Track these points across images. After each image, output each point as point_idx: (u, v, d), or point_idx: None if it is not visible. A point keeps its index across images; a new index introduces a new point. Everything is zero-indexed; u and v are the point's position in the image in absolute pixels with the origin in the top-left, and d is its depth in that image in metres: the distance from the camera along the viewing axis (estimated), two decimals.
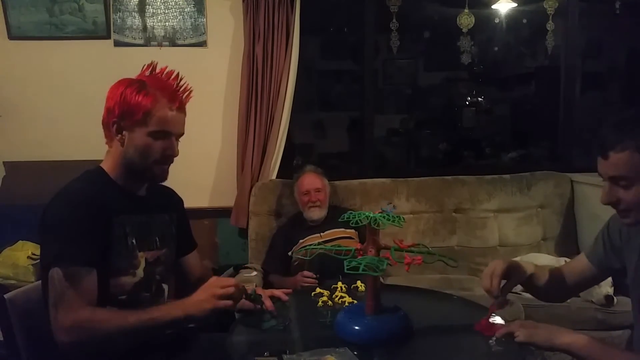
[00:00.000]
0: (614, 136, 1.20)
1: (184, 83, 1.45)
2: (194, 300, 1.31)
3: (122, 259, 1.38)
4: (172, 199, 1.63)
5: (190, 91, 1.45)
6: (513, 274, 1.35)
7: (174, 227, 1.56)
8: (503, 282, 1.32)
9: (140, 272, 1.42)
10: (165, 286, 1.52)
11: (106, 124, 1.41)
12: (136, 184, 1.47)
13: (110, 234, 1.36)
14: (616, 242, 1.38)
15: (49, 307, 1.28)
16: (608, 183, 1.23)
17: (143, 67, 1.46)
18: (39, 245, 2.55)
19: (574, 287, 1.52)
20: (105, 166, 1.44)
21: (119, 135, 1.39)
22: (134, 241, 1.41)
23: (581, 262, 1.48)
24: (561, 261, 2.66)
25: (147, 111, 1.36)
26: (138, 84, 1.38)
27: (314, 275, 2.30)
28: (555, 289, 1.48)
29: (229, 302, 1.32)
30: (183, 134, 1.45)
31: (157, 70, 1.45)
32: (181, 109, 1.42)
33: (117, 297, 1.37)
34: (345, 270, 1.24)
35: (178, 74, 1.45)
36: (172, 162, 1.45)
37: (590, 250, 1.46)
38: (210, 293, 1.30)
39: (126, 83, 1.40)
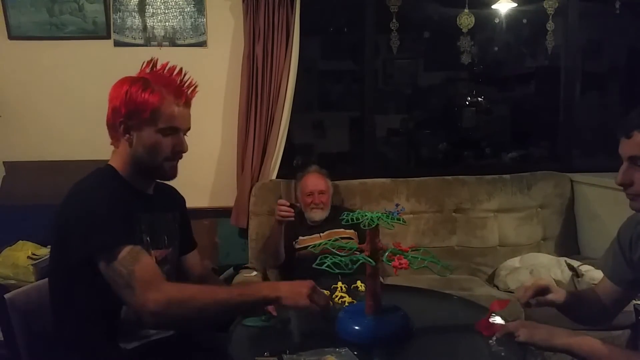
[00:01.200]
0: (635, 117, 1.18)
1: (188, 78, 1.43)
2: (289, 287, 1.28)
3: None
4: (176, 197, 1.63)
5: (196, 86, 1.44)
6: (552, 292, 1.38)
7: (178, 225, 1.56)
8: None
9: None
10: None
11: (112, 125, 1.40)
12: (146, 182, 1.46)
13: (133, 229, 1.34)
14: (626, 253, 1.37)
15: (119, 293, 1.23)
16: (626, 164, 1.22)
17: (143, 64, 1.43)
18: (39, 245, 2.58)
19: (611, 310, 1.50)
20: (114, 164, 1.42)
21: (127, 135, 1.38)
22: (148, 239, 1.40)
23: (606, 285, 1.45)
24: (561, 261, 2.66)
25: (154, 109, 1.34)
26: (142, 82, 1.36)
27: (288, 203, 2.28)
28: (594, 312, 1.48)
29: (317, 308, 1.28)
30: (190, 128, 1.45)
31: (159, 67, 1.43)
32: (187, 104, 1.42)
33: None
34: (314, 265, 1.28)
35: (181, 69, 1.43)
36: (181, 157, 1.44)
37: (609, 270, 1.44)
38: (307, 291, 1.27)
39: (129, 81, 1.37)
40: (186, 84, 1.42)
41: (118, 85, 1.39)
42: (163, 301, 1.19)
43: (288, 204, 2.29)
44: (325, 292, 1.63)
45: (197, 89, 1.44)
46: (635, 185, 1.21)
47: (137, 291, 1.20)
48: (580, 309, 1.47)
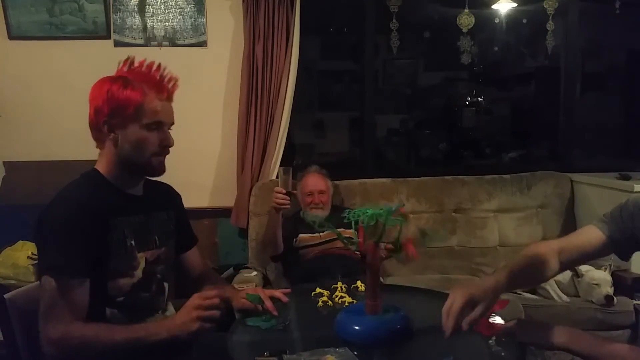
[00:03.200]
0: None
1: (168, 73, 1.43)
2: (177, 322, 1.30)
3: (121, 261, 1.38)
4: (170, 195, 1.62)
5: (176, 80, 1.44)
6: (480, 301, 1.17)
7: (173, 224, 1.56)
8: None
9: (139, 273, 1.42)
10: (166, 284, 1.52)
11: (95, 126, 1.39)
12: (133, 182, 1.46)
13: (108, 238, 1.35)
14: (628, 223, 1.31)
15: (38, 315, 1.27)
16: None
17: (119, 64, 1.43)
18: None
19: (576, 260, 1.41)
20: (100, 168, 1.42)
21: (112, 135, 1.37)
22: (132, 242, 1.40)
23: (589, 234, 1.36)
24: None
25: (137, 105, 1.34)
26: (122, 80, 1.36)
27: (284, 191, 2.27)
28: (541, 271, 1.34)
29: (214, 315, 1.30)
30: (173, 123, 1.45)
31: (136, 64, 1.43)
32: (169, 98, 1.42)
33: (115, 299, 1.37)
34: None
35: (160, 65, 1.43)
36: (168, 152, 1.44)
37: (608, 226, 1.34)
38: (193, 315, 1.29)
39: (109, 80, 1.37)
40: (166, 79, 1.42)
41: (98, 86, 1.39)
42: (62, 340, 1.24)
43: (284, 191, 2.29)
44: (325, 292, 1.63)
45: (177, 83, 1.44)
46: None
47: (47, 325, 1.25)
48: (530, 276, 1.36)
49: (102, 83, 1.38)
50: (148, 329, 1.30)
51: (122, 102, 1.33)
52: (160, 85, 1.39)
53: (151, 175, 1.47)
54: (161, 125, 1.39)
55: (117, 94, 1.34)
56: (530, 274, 1.31)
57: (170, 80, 1.42)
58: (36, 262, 2.40)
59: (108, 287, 1.36)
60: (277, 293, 1.57)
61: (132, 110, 1.34)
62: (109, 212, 1.36)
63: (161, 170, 1.45)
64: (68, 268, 1.27)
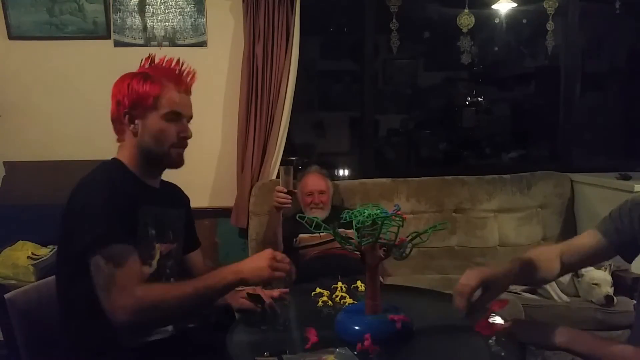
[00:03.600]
0: None
1: (186, 67, 1.48)
2: (250, 265, 1.31)
3: (143, 248, 1.38)
4: (180, 195, 1.65)
5: (194, 74, 1.49)
6: (491, 285, 1.19)
7: (183, 223, 1.58)
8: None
9: (154, 264, 1.43)
10: (173, 280, 1.52)
11: (117, 118, 1.43)
12: (153, 174, 1.48)
13: (134, 223, 1.36)
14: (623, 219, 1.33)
15: (97, 292, 1.25)
16: None
17: (142, 62, 1.49)
18: (39, 246, 2.58)
19: (578, 263, 1.43)
20: (121, 158, 1.45)
21: (132, 125, 1.41)
22: (153, 232, 1.42)
23: (589, 239, 1.38)
24: None
25: (156, 96, 1.39)
26: (142, 75, 1.42)
27: (285, 190, 2.27)
28: (543, 271, 1.34)
29: (283, 274, 1.33)
30: (192, 117, 1.49)
31: (157, 61, 1.48)
32: (187, 91, 1.47)
33: None
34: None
35: (179, 59, 1.48)
36: (186, 145, 1.47)
37: (607, 226, 1.36)
38: (267, 263, 1.30)
39: (130, 76, 1.43)
40: (185, 72, 1.47)
41: (120, 81, 1.44)
42: (134, 306, 1.22)
43: (285, 190, 2.28)
44: (325, 292, 1.63)
45: (196, 76, 1.49)
46: None
47: (112, 295, 1.23)
48: (533, 274, 1.34)
49: (123, 78, 1.44)
50: (215, 276, 1.30)
51: (141, 94, 1.39)
52: (178, 78, 1.44)
53: (170, 166, 1.49)
54: (179, 117, 1.43)
55: (137, 87, 1.39)
56: (533, 272, 1.31)
57: (188, 73, 1.47)
58: (37, 261, 2.41)
59: None
60: (276, 293, 1.57)
61: (151, 102, 1.39)
62: (133, 198, 1.37)
63: (180, 161, 1.47)
64: (116, 238, 1.27)
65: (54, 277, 1.55)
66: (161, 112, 1.40)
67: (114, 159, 1.45)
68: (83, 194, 1.32)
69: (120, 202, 1.31)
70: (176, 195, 1.61)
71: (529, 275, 1.32)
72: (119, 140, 1.47)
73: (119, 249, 1.26)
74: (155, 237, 1.43)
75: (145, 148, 1.42)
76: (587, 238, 1.39)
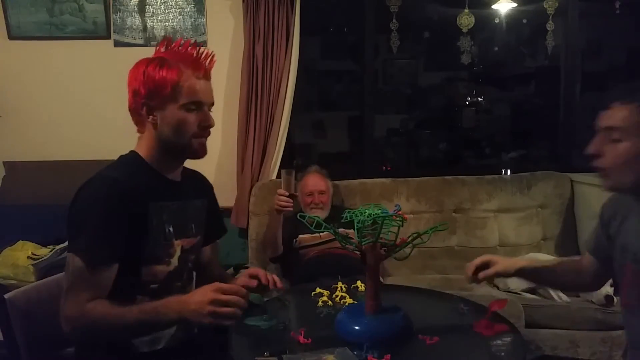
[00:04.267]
0: (624, 92, 1.20)
1: (204, 50, 1.39)
2: (191, 306, 1.21)
3: (158, 247, 1.34)
4: (204, 184, 1.60)
5: (213, 56, 1.40)
6: (498, 265, 1.47)
7: (205, 213, 1.52)
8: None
9: (175, 261, 1.39)
10: (194, 273, 1.51)
11: (134, 108, 1.36)
12: (173, 167, 1.42)
13: (146, 222, 1.31)
14: (605, 228, 1.38)
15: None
16: (600, 135, 1.24)
17: (156, 47, 1.40)
18: (39, 246, 2.58)
19: (590, 282, 1.55)
20: (139, 151, 1.39)
21: (151, 117, 1.34)
22: (171, 229, 1.37)
23: (588, 259, 1.49)
24: None
25: (174, 84, 1.31)
26: (158, 60, 1.33)
27: (287, 193, 2.26)
28: (578, 278, 1.52)
29: (230, 311, 1.20)
30: (213, 103, 1.40)
31: (173, 44, 1.40)
32: (207, 76, 1.38)
33: (149, 285, 1.35)
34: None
35: (196, 42, 1.40)
36: (209, 134, 1.40)
37: (591, 243, 1.47)
38: (206, 309, 1.19)
39: (145, 62, 1.35)
40: (203, 55, 1.38)
41: (135, 68, 1.36)
42: (75, 318, 1.23)
43: (287, 193, 2.28)
44: (325, 292, 1.63)
45: (215, 59, 1.40)
46: (605, 158, 1.21)
47: (65, 302, 1.24)
48: (558, 277, 1.59)
49: (138, 65, 1.35)
50: (158, 309, 1.24)
51: (158, 82, 1.31)
52: (196, 62, 1.36)
53: (192, 157, 1.43)
54: (200, 106, 1.35)
55: (153, 74, 1.31)
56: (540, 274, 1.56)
57: (207, 56, 1.39)
58: (37, 261, 2.41)
59: (142, 273, 1.33)
60: (276, 278, 1.53)
61: (170, 90, 1.31)
62: (149, 195, 1.32)
63: (202, 152, 1.41)
64: (96, 251, 1.23)
65: (54, 277, 1.55)
66: (180, 103, 1.32)
67: (133, 152, 1.39)
68: (85, 195, 1.29)
69: (120, 210, 1.26)
70: (198, 184, 1.55)
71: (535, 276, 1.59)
72: (139, 131, 1.40)
73: (94, 264, 1.24)
74: (174, 234, 1.37)
75: (165, 140, 1.35)
76: (585, 261, 1.49)
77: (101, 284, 1.25)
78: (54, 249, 2.48)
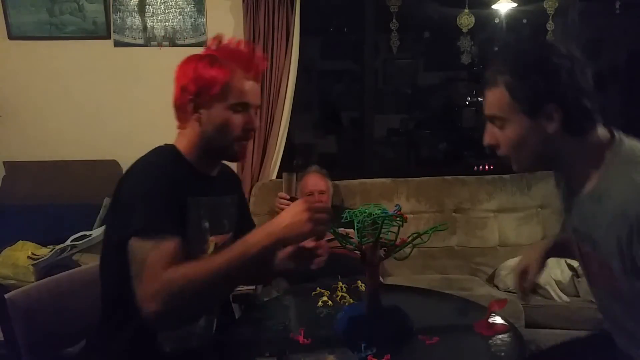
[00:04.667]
0: (489, 75, 1.16)
1: (257, 50, 1.36)
2: (284, 223, 1.17)
3: (194, 242, 1.29)
4: (235, 179, 1.58)
5: (265, 59, 1.38)
6: (532, 268, 1.42)
7: (235, 208, 1.50)
8: None
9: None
10: None
11: (180, 105, 1.33)
12: (210, 165, 1.40)
13: (185, 216, 1.27)
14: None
15: (132, 281, 1.14)
16: (489, 124, 1.20)
17: (207, 43, 1.37)
18: (39, 245, 2.58)
19: None
20: (178, 146, 1.35)
21: (196, 114, 1.31)
22: (206, 225, 1.34)
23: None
24: (561, 261, 2.66)
25: (224, 84, 1.28)
26: (209, 58, 1.30)
27: (288, 197, 2.25)
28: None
29: (326, 228, 1.20)
30: (259, 105, 1.39)
31: (225, 41, 1.36)
32: (257, 78, 1.35)
33: None
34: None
35: (249, 42, 1.38)
36: (251, 137, 1.39)
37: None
38: (307, 216, 1.16)
39: (196, 58, 1.32)
40: (256, 56, 1.35)
41: (184, 64, 1.33)
42: (160, 291, 1.10)
43: (288, 197, 2.28)
44: (325, 292, 1.63)
45: (266, 61, 1.38)
46: (502, 147, 1.18)
47: (142, 283, 1.12)
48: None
49: (188, 61, 1.33)
50: (248, 241, 1.17)
51: (208, 81, 1.28)
52: (248, 63, 1.33)
53: (231, 159, 1.42)
54: (247, 107, 1.33)
55: (203, 72, 1.28)
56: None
57: (259, 58, 1.36)
58: (37, 261, 2.41)
59: None
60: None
61: (219, 89, 1.28)
62: (188, 188, 1.28)
63: (242, 155, 1.39)
64: (159, 226, 1.17)
65: (54, 277, 1.55)
66: (228, 103, 1.29)
67: (171, 146, 1.36)
68: (133, 179, 1.25)
69: (167, 190, 1.22)
70: (229, 180, 1.52)
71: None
72: (179, 127, 1.37)
73: (156, 236, 1.15)
74: (209, 230, 1.35)
75: (207, 139, 1.32)
76: None
77: (173, 252, 1.15)
78: (54, 249, 2.48)
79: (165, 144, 1.37)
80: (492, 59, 1.19)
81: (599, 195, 1.12)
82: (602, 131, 1.15)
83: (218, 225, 1.38)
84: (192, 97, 1.30)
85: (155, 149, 1.35)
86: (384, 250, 1.32)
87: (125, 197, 1.23)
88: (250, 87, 1.32)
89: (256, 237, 1.18)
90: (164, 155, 1.33)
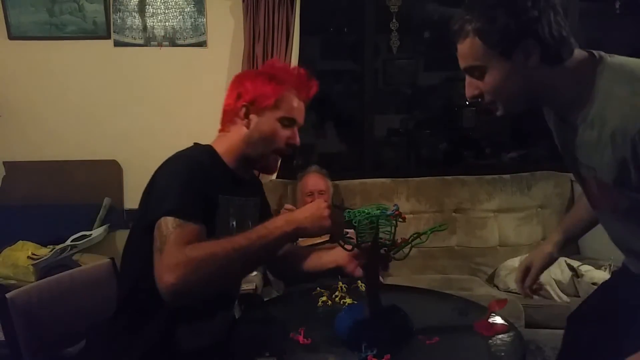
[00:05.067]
0: (457, 26, 1.13)
1: (310, 77, 1.47)
2: (305, 215, 1.24)
3: (220, 239, 1.32)
4: (259, 184, 1.64)
5: (317, 85, 1.48)
6: (536, 264, 1.55)
7: (258, 210, 1.56)
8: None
9: None
10: None
11: (232, 109, 1.42)
12: (245, 170, 1.47)
13: (214, 211, 1.33)
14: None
15: (153, 256, 1.18)
16: (467, 77, 1.18)
17: (264, 62, 1.49)
18: (39, 245, 2.58)
19: None
20: (217, 147, 1.42)
21: (246, 120, 1.40)
22: (234, 224, 1.40)
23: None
24: (561, 261, 2.66)
25: (278, 98, 1.39)
26: (268, 75, 1.42)
27: (294, 209, 2.26)
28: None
29: (341, 229, 1.30)
30: (303, 124, 1.47)
31: (282, 64, 1.49)
32: (306, 101, 1.46)
33: None
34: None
35: (305, 70, 1.48)
36: (289, 153, 1.46)
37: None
38: (328, 212, 1.24)
39: (256, 73, 1.45)
40: (309, 81, 1.47)
41: (243, 75, 1.47)
42: (179, 264, 1.12)
43: (294, 209, 2.29)
44: (325, 292, 1.63)
45: (317, 89, 1.48)
46: (486, 95, 1.17)
47: (162, 257, 1.14)
48: (584, 218, 1.55)
49: (247, 73, 1.49)
50: (268, 226, 1.22)
51: (264, 93, 1.39)
52: (302, 85, 1.44)
53: (264, 171, 1.50)
54: (293, 123, 1.43)
55: (261, 85, 1.39)
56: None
57: (312, 83, 1.47)
58: (37, 261, 2.41)
59: None
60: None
61: (272, 102, 1.39)
62: (220, 186, 1.35)
63: (274, 168, 1.48)
64: (188, 207, 1.21)
65: (55, 276, 1.55)
66: (278, 115, 1.39)
67: (209, 146, 1.43)
68: (170, 165, 1.31)
69: (202, 184, 1.27)
70: (255, 184, 1.60)
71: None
72: (222, 130, 1.46)
73: (185, 218, 1.19)
74: (235, 229, 1.40)
75: (250, 144, 1.40)
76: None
77: (196, 234, 1.19)
78: (54, 249, 2.48)
79: (206, 144, 1.44)
80: (458, 12, 1.15)
81: (592, 120, 1.11)
82: (582, 54, 1.16)
83: (243, 225, 1.43)
84: (246, 104, 1.39)
85: (195, 145, 1.43)
86: (384, 250, 1.32)
87: (163, 181, 1.28)
88: (299, 105, 1.43)
89: (277, 223, 1.23)
90: (203, 152, 1.39)
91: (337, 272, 1.64)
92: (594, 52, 1.17)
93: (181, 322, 1.34)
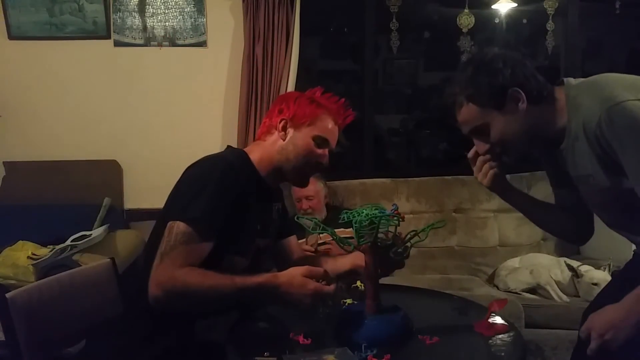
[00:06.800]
0: (450, 100, 1.38)
1: (348, 106, 1.59)
2: (290, 290, 1.28)
3: (245, 241, 1.43)
4: (280, 190, 1.69)
5: (353, 115, 1.60)
6: None
7: (279, 215, 1.63)
8: None
9: (250, 258, 1.48)
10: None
11: (272, 122, 1.50)
12: (274, 180, 1.53)
13: (243, 215, 1.39)
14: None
15: (155, 257, 1.28)
16: (474, 139, 1.39)
17: (306, 92, 1.56)
18: (39, 245, 2.58)
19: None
20: (251, 154, 1.49)
21: (283, 132, 1.48)
22: (258, 227, 1.48)
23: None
24: (561, 261, 2.67)
25: (315, 118, 1.48)
26: (310, 97, 1.52)
27: (312, 250, 2.26)
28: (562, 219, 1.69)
29: (330, 291, 1.30)
30: (334, 149, 1.55)
31: (324, 93, 1.57)
32: (341, 127, 1.57)
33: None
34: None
35: (345, 99, 1.59)
36: (317, 172, 1.57)
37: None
38: (309, 288, 1.27)
39: (299, 95, 1.55)
40: (346, 109, 1.58)
41: (287, 95, 1.64)
42: (167, 283, 1.23)
43: (312, 250, 2.29)
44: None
45: (353, 117, 1.60)
46: (494, 147, 1.38)
47: (159, 265, 1.25)
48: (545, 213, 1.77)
49: (292, 94, 1.63)
50: (256, 282, 1.28)
51: (304, 112, 1.48)
52: (339, 112, 1.55)
53: (293, 183, 1.57)
54: (325, 144, 1.50)
55: (303, 104, 1.50)
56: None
57: (349, 112, 1.59)
58: (37, 261, 2.41)
59: (223, 261, 1.38)
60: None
61: (309, 120, 1.48)
62: (249, 191, 1.42)
63: (305, 183, 1.55)
64: (208, 222, 1.30)
65: (55, 276, 1.56)
66: (313, 132, 1.47)
67: (243, 152, 1.51)
68: (199, 167, 1.39)
69: (230, 194, 1.35)
70: (277, 190, 1.66)
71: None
72: (258, 138, 1.54)
73: (197, 234, 1.28)
74: (258, 233, 1.49)
75: (284, 155, 1.47)
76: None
77: (200, 254, 1.29)
78: (54, 249, 2.48)
79: (240, 149, 1.54)
80: (445, 91, 1.41)
81: (575, 133, 1.28)
82: (555, 88, 1.35)
83: (266, 230, 1.54)
84: (285, 119, 1.49)
85: (231, 149, 1.54)
86: (393, 253, 1.33)
87: (194, 184, 1.35)
88: (333, 128, 1.53)
89: (265, 284, 1.29)
90: (238, 157, 1.47)
91: (353, 273, 1.65)
92: (564, 80, 1.36)
93: (182, 322, 1.37)
